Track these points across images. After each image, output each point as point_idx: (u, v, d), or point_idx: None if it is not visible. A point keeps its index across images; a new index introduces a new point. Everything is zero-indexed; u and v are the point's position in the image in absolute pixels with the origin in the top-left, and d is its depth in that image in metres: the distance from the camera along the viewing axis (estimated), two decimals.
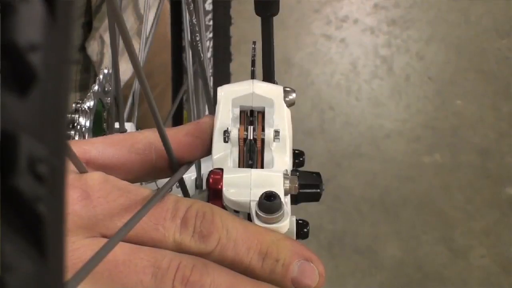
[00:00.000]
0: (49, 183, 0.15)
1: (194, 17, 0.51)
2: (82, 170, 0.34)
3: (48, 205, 0.15)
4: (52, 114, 0.15)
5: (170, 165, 0.40)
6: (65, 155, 0.16)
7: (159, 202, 0.33)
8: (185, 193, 0.45)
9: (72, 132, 0.48)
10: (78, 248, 0.31)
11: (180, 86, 0.93)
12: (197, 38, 0.51)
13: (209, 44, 0.98)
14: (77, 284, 0.25)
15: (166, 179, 0.37)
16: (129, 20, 0.84)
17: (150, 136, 0.39)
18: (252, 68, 0.45)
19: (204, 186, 0.54)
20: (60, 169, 0.15)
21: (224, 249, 0.34)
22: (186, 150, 0.40)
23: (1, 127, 0.14)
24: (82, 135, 0.47)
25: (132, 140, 0.38)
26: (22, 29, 0.14)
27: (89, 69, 0.86)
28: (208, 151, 0.41)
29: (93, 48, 0.80)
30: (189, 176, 0.54)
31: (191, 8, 0.51)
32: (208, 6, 0.97)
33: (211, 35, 0.98)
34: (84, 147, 0.36)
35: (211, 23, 0.98)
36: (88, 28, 0.80)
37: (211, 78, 0.99)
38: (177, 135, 0.40)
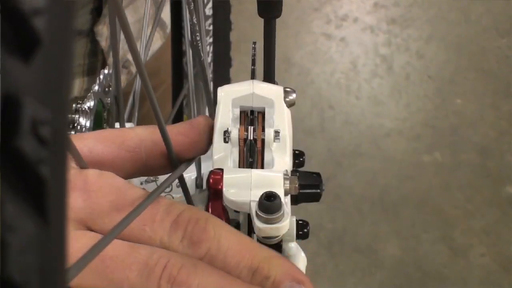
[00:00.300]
0: (51, 146, 0.15)
1: (194, 17, 0.51)
2: (82, 166, 0.34)
3: (50, 167, 0.15)
4: (56, 78, 0.15)
5: (171, 163, 0.40)
6: (67, 119, 0.16)
7: (151, 203, 0.33)
8: (186, 192, 0.45)
9: (73, 132, 0.48)
10: None
11: (180, 87, 0.93)
12: (197, 38, 0.51)
13: (209, 49, 0.98)
14: (75, 275, 0.25)
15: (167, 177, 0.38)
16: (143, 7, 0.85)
17: (142, 133, 0.38)
18: (253, 67, 0.45)
19: (204, 186, 0.54)
20: (62, 132, 0.15)
21: (213, 259, 0.33)
22: (176, 150, 0.39)
23: (4, 90, 0.14)
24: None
25: (123, 137, 0.38)
26: None
27: (97, 53, 0.86)
28: (200, 152, 0.41)
29: (102, 33, 0.80)
30: (189, 175, 0.54)
31: (191, 8, 0.51)
32: (208, 11, 0.97)
33: (211, 40, 0.98)
34: (75, 142, 0.36)
35: (211, 28, 0.98)
36: (97, 13, 0.80)
37: (211, 83, 0.99)
38: (169, 133, 0.39)
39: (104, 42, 0.81)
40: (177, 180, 0.49)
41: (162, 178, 0.52)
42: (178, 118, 0.92)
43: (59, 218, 0.15)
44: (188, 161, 0.42)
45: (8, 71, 0.14)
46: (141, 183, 0.52)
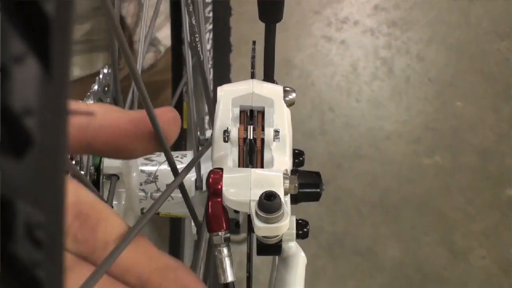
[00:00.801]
0: (47, 249, 0.15)
1: (193, 18, 0.51)
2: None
3: (46, 270, 0.15)
4: (49, 177, 0.15)
5: (172, 172, 0.40)
6: (62, 219, 0.16)
7: None
8: (185, 195, 0.45)
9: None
10: None
11: (180, 77, 0.93)
12: (197, 39, 0.51)
13: (209, 35, 0.98)
14: None
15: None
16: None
17: (94, 110, 0.35)
18: (252, 71, 0.45)
19: (204, 187, 0.54)
20: (58, 234, 0.15)
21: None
22: (123, 140, 0.36)
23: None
24: None
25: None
26: (17, 92, 0.14)
27: (123, 28, 0.86)
28: (150, 150, 0.38)
29: (128, 9, 0.80)
30: (189, 177, 0.54)
31: (190, 10, 0.51)
32: (209, 13, 0.97)
33: (211, 26, 0.98)
34: None
35: (211, 14, 0.98)
36: None
37: (211, 70, 0.99)
38: (120, 119, 0.36)
39: (130, 18, 0.81)
40: None
41: (161, 178, 0.52)
42: (178, 107, 0.92)
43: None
44: (187, 168, 0.41)
45: (1, 170, 0.14)
46: (141, 184, 0.52)
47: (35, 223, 0.14)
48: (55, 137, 0.15)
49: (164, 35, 0.97)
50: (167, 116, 0.37)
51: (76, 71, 0.88)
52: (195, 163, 0.48)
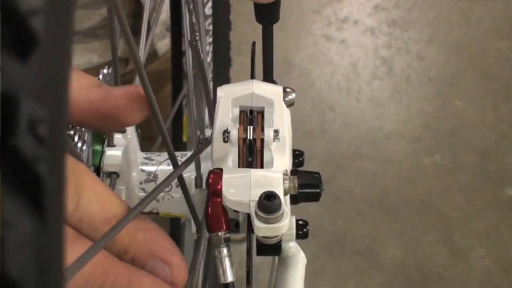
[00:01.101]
0: (49, 144, 0.15)
1: (193, 17, 0.51)
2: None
3: (48, 166, 0.15)
4: (53, 77, 0.15)
5: (172, 164, 0.40)
6: (65, 118, 0.16)
7: None
8: (185, 191, 0.45)
9: (72, 132, 0.48)
10: None
11: (180, 85, 0.93)
12: (197, 38, 0.51)
13: (209, 48, 0.98)
14: (71, 277, 0.25)
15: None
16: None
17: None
18: (252, 69, 0.45)
19: (204, 185, 0.54)
20: (60, 130, 0.15)
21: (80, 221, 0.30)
22: (84, 116, 0.34)
23: (1, 89, 0.14)
24: (81, 135, 0.47)
25: None
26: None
27: (140, 14, 0.86)
28: (115, 125, 0.36)
29: None
30: (189, 175, 0.54)
31: (191, 7, 0.51)
32: (208, 11, 0.97)
33: (211, 39, 0.98)
34: None
35: (211, 27, 0.98)
36: None
37: (211, 83, 0.99)
38: (116, 93, 0.35)
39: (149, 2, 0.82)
40: (176, 180, 0.49)
41: (161, 177, 0.52)
42: (178, 118, 0.92)
43: (57, 216, 0.15)
44: (187, 161, 0.42)
45: (5, 70, 0.14)
46: (140, 183, 0.52)
47: (38, 119, 0.14)
48: (61, 38, 0.15)
49: (162, 44, 0.97)
50: (133, 89, 0.35)
51: (94, 58, 0.88)
52: (195, 157, 0.48)
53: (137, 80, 0.56)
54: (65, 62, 0.15)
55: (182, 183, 0.43)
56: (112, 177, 0.50)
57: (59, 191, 0.15)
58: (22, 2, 0.14)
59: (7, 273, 0.14)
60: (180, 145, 0.93)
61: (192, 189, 0.52)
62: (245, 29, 1.40)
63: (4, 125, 0.14)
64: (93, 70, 0.89)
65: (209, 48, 0.99)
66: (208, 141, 0.44)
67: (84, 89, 0.34)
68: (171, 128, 0.94)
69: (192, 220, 0.51)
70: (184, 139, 0.94)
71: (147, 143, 1.17)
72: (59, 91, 0.15)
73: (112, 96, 0.34)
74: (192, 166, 0.52)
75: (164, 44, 0.98)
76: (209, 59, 0.99)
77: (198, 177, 0.52)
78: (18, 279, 0.14)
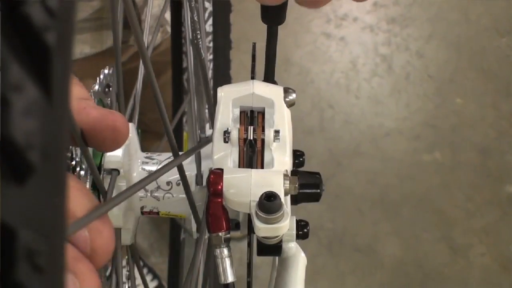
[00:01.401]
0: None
1: (195, 15, 0.51)
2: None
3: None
4: (50, 204, 0.15)
5: (173, 154, 0.40)
6: (64, 247, 0.15)
7: None
8: (186, 188, 0.45)
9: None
10: None
11: (180, 84, 0.93)
12: (198, 36, 0.51)
13: (210, 65, 0.98)
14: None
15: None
16: None
17: None
18: (252, 68, 0.45)
19: (204, 183, 0.54)
20: (59, 261, 0.15)
21: None
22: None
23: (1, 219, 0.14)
24: None
25: None
26: (18, 123, 0.14)
27: (134, 3, 0.87)
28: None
29: None
30: (189, 173, 0.54)
31: (193, 5, 0.51)
32: (209, 28, 0.98)
33: (211, 56, 0.99)
34: None
35: (211, 44, 0.98)
36: None
37: (211, 80, 0.99)
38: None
39: None
40: (177, 178, 0.49)
41: (162, 176, 0.52)
42: (178, 130, 0.92)
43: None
44: (187, 153, 0.41)
45: (3, 198, 0.14)
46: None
47: (36, 250, 0.14)
48: (56, 167, 0.15)
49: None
50: (108, 119, 0.34)
51: (86, 49, 0.89)
52: (196, 150, 0.48)
53: (141, 68, 0.56)
54: (61, 188, 0.15)
55: (182, 173, 0.43)
56: (112, 173, 0.49)
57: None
58: (16, 132, 0.14)
59: (12, 137, 0.14)
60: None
61: (192, 187, 0.52)
62: (244, 27, 1.40)
63: (4, 257, 0.14)
64: (86, 60, 0.90)
65: (210, 65, 1.00)
66: (209, 138, 0.44)
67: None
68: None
69: (192, 219, 0.51)
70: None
71: (143, 136, 1.18)
72: (56, 219, 0.15)
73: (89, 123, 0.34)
74: (192, 164, 0.52)
75: (158, 37, 0.99)
76: (210, 56, 0.99)
77: (199, 175, 0.52)
78: (23, 145, 0.14)
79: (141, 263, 1.36)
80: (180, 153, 0.54)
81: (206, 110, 0.75)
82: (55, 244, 0.15)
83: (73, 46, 0.16)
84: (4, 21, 0.14)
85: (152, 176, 0.35)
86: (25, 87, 0.14)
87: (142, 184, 0.33)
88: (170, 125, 0.37)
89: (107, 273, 0.56)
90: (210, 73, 0.98)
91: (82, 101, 0.34)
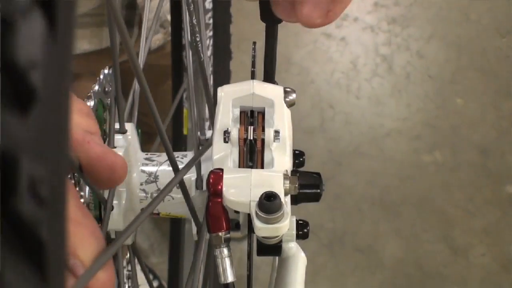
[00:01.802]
0: (50, 206, 0.14)
1: (194, 18, 0.51)
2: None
3: (49, 228, 0.14)
4: (52, 134, 0.15)
5: (173, 169, 0.40)
6: (65, 176, 0.15)
7: None
8: (185, 194, 0.45)
9: None
10: None
11: (180, 84, 0.93)
12: (197, 39, 0.51)
13: (209, 42, 0.98)
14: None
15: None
16: None
17: None
18: (252, 69, 0.45)
19: (204, 187, 0.54)
20: (61, 190, 0.15)
21: None
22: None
23: (2, 147, 0.13)
24: None
25: None
26: (22, 47, 0.14)
27: (134, 7, 0.86)
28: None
29: None
30: (189, 176, 0.54)
31: (191, 9, 0.51)
32: (208, 5, 0.98)
33: (211, 33, 0.98)
34: None
35: (211, 21, 0.98)
36: None
37: (211, 76, 0.99)
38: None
39: None
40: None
41: (162, 178, 0.52)
42: (178, 113, 0.92)
43: (59, 279, 0.15)
44: (187, 165, 0.41)
45: (5, 126, 0.14)
46: (141, 184, 0.52)
47: (38, 179, 0.14)
48: (60, 94, 0.15)
49: (154, 38, 0.98)
50: (108, 159, 0.35)
51: (85, 45, 0.88)
52: (195, 161, 0.48)
53: (135, 83, 0.56)
54: (64, 117, 0.15)
55: (183, 187, 0.43)
56: None
57: (61, 254, 0.15)
58: (21, 55, 0.14)
59: (15, 59, 0.13)
60: (180, 138, 0.93)
61: (192, 191, 0.52)
62: (245, 26, 1.40)
63: (4, 185, 0.14)
64: (84, 57, 0.90)
65: (210, 42, 0.99)
66: (208, 143, 0.44)
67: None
68: (172, 123, 0.94)
69: (192, 221, 0.51)
70: (185, 132, 0.94)
71: (147, 138, 1.18)
72: (58, 149, 0.15)
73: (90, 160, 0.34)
74: (192, 168, 0.52)
75: (156, 39, 0.98)
76: (209, 52, 0.99)
77: (199, 179, 0.52)
78: (26, 66, 0.14)
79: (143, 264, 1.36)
80: (179, 154, 0.54)
81: (206, 110, 0.75)
82: (57, 173, 0.15)
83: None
84: None
85: (155, 202, 0.35)
86: (31, 14, 0.14)
87: (145, 213, 0.33)
88: (170, 145, 0.37)
89: None
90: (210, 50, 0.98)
91: (88, 134, 0.35)
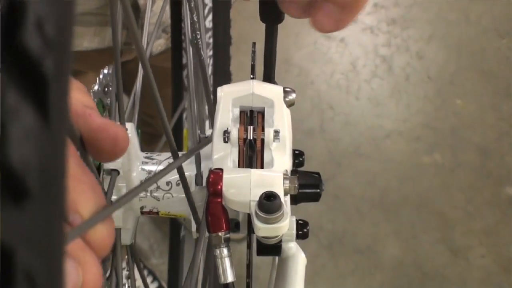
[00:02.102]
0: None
1: (194, 15, 0.51)
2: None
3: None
4: (47, 226, 0.15)
5: (172, 155, 0.40)
6: (62, 268, 0.16)
7: None
8: (186, 189, 0.45)
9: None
10: None
11: (180, 85, 0.93)
12: (198, 37, 0.51)
13: (209, 61, 0.98)
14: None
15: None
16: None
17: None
18: (252, 63, 0.45)
19: (204, 183, 0.54)
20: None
21: None
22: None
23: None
24: None
25: None
26: (15, 148, 0.14)
27: (137, 9, 0.86)
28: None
29: None
30: (189, 174, 0.54)
31: (192, 5, 0.51)
32: (209, 24, 0.97)
33: (211, 52, 0.98)
34: None
35: (211, 40, 0.98)
36: None
37: (211, 76, 0.99)
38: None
39: (142, 0, 0.82)
40: (177, 178, 0.49)
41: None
42: (178, 130, 0.92)
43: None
44: (187, 154, 0.41)
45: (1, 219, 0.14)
46: (141, 181, 0.52)
47: (34, 272, 0.14)
48: (53, 191, 0.15)
49: (156, 43, 0.97)
50: (111, 130, 0.34)
51: (85, 43, 0.88)
52: (195, 151, 0.48)
53: (141, 68, 0.56)
54: (58, 213, 0.15)
55: (181, 175, 0.43)
56: (112, 174, 0.49)
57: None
58: (14, 156, 0.14)
59: (10, 163, 0.14)
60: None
61: (192, 187, 0.52)
62: (245, 27, 1.40)
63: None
64: (83, 54, 0.90)
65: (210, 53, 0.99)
66: (208, 139, 0.44)
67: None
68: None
69: (192, 219, 0.51)
70: (185, 150, 0.94)
71: (151, 139, 1.17)
72: (52, 241, 0.15)
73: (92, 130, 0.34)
74: (192, 164, 0.52)
75: (158, 45, 0.98)
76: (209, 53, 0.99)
77: (198, 175, 0.52)
78: (21, 172, 0.14)
79: (141, 265, 1.36)
80: (180, 153, 0.54)
81: (206, 110, 0.75)
82: (53, 264, 0.15)
83: (69, 74, 0.16)
84: (3, 49, 0.14)
85: (152, 178, 0.35)
86: (22, 113, 0.14)
87: (143, 186, 0.33)
88: (169, 126, 0.37)
89: (107, 274, 0.56)
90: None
91: (88, 108, 0.34)
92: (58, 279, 0.15)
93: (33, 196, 0.14)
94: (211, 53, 0.98)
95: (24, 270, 0.14)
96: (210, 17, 0.97)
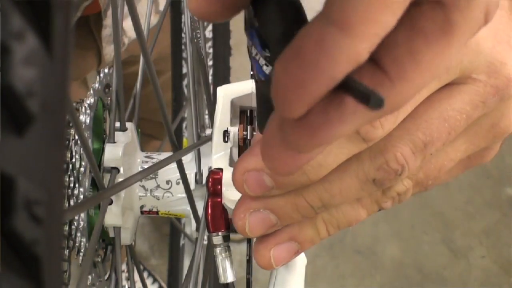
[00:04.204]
0: (46, 225, 0.15)
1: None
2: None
3: (45, 246, 0.15)
4: (48, 155, 0.15)
5: (172, 148, 0.40)
6: (61, 197, 0.16)
7: None
8: (186, 187, 0.45)
9: (72, 131, 0.47)
10: None
11: (180, 84, 0.93)
12: (198, 35, 0.51)
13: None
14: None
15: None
16: None
17: None
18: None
19: (204, 181, 0.54)
20: (57, 210, 0.15)
21: None
22: None
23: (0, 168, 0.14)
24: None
25: None
26: (18, 72, 0.14)
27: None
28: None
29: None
30: (189, 172, 0.54)
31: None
32: (209, 34, 0.97)
33: (211, 62, 0.98)
34: None
35: (211, 50, 0.98)
36: None
37: (211, 77, 0.99)
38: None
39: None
40: (177, 177, 0.49)
41: (161, 175, 0.52)
42: (177, 139, 0.92)
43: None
44: (187, 149, 0.41)
45: (2, 148, 0.14)
46: (141, 181, 0.52)
47: (35, 200, 0.14)
48: (56, 117, 0.15)
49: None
50: None
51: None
52: (196, 147, 0.48)
53: (141, 68, 0.56)
54: (59, 140, 0.15)
55: (181, 168, 0.43)
56: (112, 172, 0.49)
57: (56, 272, 0.16)
58: (17, 81, 0.14)
59: (12, 85, 0.14)
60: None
61: (192, 185, 0.52)
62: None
63: (3, 206, 0.14)
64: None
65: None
66: (208, 137, 0.44)
67: None
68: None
69: (192, 218, 0.51)
70: None
71: (151, 141, 1.17)
72: (54, 170, 0.15)
73: None
74: (192, 163, 0.53)
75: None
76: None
77: (198, 173, 0.52)
78: (23, 92, 0.14)
79: (141, 267, 1.36)
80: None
81: (206, 110, 0.75)
82: (52, 194, 0.15)
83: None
84: None
85: (153, 167, 0.35)
86: (26, 36, 0.14)
87: (144, 173, 0.33)
88: (170, 123, 0.37)
89: (107, 275, 0.56)
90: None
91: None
92: (58, 208, 0.15)
93: (36, 121, 0.14)
94: (211, 63, 0.98)
95: (24, 199, 0.14)
96: (210, 27, 0.97)
